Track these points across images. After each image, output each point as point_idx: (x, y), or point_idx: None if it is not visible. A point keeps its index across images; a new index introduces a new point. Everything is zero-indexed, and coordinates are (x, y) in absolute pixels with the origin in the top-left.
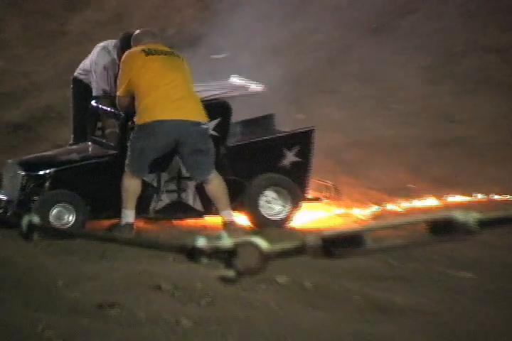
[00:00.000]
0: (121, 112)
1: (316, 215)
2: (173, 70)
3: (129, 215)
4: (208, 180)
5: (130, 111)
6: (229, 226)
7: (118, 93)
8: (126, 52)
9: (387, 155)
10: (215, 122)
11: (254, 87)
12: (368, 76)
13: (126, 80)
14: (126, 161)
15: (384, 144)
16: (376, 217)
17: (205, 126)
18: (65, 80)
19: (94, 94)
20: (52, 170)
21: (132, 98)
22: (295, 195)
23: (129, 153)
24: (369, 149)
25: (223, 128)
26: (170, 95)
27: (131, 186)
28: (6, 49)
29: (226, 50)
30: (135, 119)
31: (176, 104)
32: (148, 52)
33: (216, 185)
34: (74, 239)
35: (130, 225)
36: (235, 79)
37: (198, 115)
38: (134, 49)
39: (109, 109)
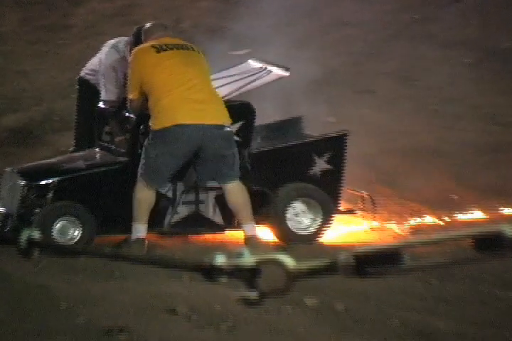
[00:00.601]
0: (132, 115)
1: (347, 229)
2: (190, 67)
3: (140, 230)
4: (229, 189)
5: (142, 114)
6: (251, 242)
7: (130, 96)
8: (134, 50)
9: (427, 163)
10: (237, 126)
11: (277, 70)
12: (406, 74)
13: (138, 82)
14: (140, 170)
15: (424, 150)
16: (415, 231)
17: (229, 129)
18: (68, 80)
19: (102, 98)
20: (55, 179)
21: (145, 100)
22: (326, 207)
23: (143, 161)
24: (407, 156)
25: (246, 132)
26: (189, 96)
27: (145, 198)
28: (1, 45)
29: (247, 46)
30: (150, 124)
31: (196, 106)
32: (159, 49)
33: (238, 195)
34: (79, 256)
35: (141, 241)
36: (254, 63)
37: (221, 117)
38: (142, 46)
39: (118, 111)
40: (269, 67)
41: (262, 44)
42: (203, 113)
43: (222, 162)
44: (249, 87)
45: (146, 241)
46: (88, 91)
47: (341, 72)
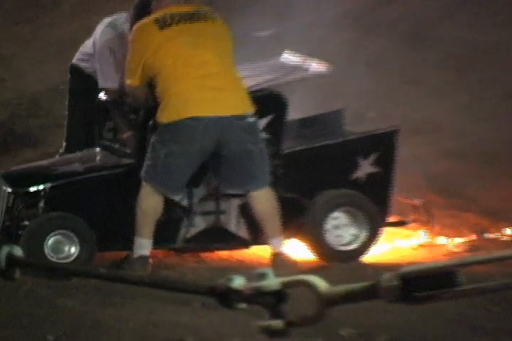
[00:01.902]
0: (137, 107)
1: (391, 245)
2: (202, 46)
3: (144, 246)
4: (257, 196)
5: (151, 106)
6: (277, 260)
7: (129, 82)
8: (135, 26)
9: (489, 167)
10: (265, 120)
11: (316, 66)
12: (461, 61)
13: (137, 65)
14: (144, 173)
15: (483, 152)
16: (472, 247)
17: (252, 120)
18: (56, 67)
19: (100, 85)
20: (47, 185)
21: (152, 88)
22: (373, 218)
23: (148, 162)
24: (463, 158)
25: (277, 128)
26: (202, 83)
27: (151, 207)
28: None
29: (273, 26)
30: (157, 117)
31: (211, 95)
32: (162, 24)
33: (267, 204)
34: (70, 278)
35: (145, 259)
36: (289, 57)
37: (242, 105)
38: (143, 21)
39: (122, 103)
40: (307, 63)
41: (290, 24)
42: (219, 102)
43: (249, 161)
44: (280, 80)
45: (151, 259)
46: (82, 81)
47: (383, 59)
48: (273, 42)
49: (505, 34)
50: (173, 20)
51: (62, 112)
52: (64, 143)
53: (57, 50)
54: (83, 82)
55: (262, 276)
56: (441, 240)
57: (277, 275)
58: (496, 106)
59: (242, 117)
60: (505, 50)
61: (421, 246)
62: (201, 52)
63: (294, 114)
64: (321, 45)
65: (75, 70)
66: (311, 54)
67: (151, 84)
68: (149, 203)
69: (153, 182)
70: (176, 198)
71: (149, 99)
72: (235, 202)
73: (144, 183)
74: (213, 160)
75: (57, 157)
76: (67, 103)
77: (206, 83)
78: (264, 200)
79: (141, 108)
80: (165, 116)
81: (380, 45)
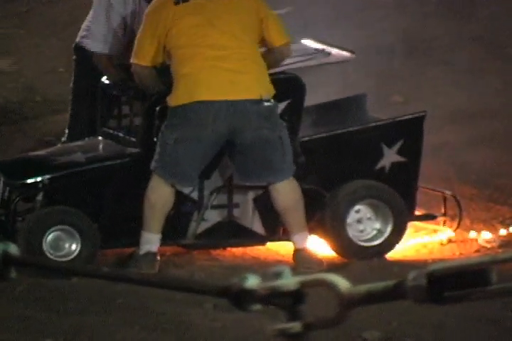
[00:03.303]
0: (145, 92)
1: (418, 240)
2: (220, 24)
3: (151, 241)
4: (279, 188)
5: (161, 91)
6: (300, 257)
7: (136, 60)
8: (152, 2)
9: None
10: (281, 106)
11: (338, 52)
12: (494, 40)
13: (150, 43)
14: (154, 163)
15: None
16: (506, 243)
17: (269, 104)
18: (55, 48)
19: (87, 47)
20: (46, 177)
21: (163, 71)
22: (398, 211)
23: (158, 149)
24: (497, 146)
25: (294, 114)
26: (217, 64)
27: (160, 199)
28: None
29: (291, 3)
30: (167, 100)
31: (226, 77)
32: None
33: (290, 196)
34: (70, 277)
35: (152, 255)
36: (309, 44)
37: (258, 89)
38: None
39: (126, 87)
40: (328, 49)
41: (308, 1)
42: (234, 85)
43: (267, 150)
44: (299, 64)
45: (159, 256)
46: (88, 62)
47: (411, 38)
48: (290, 22)
49: None
50: None
51: (60, 97)
52: (67, 131)
53: (56, 29)
54: (89, 64)
55: (279, 275)
56: (472, 235)
57: (300, 273)
58: None
59: (259, 101)
60: None
61: (450, 241)
62: (217, 32)
63: (312, 99)
64: (338, 26)
65: (80, 51)
66: (332, 36)
67: (163, 68)
68: (158, 195)
69: (162, 172)
70: (187, 190)
71: (160, 83)
72: (250, 195)
73: (153, 174)
74: (229, 149)
75: (59, 145)
76: (71, 85)
77: (220, 65)
78: (286, 193)
79: (149, 92)
80: (174, 98)
81: (405, 23)
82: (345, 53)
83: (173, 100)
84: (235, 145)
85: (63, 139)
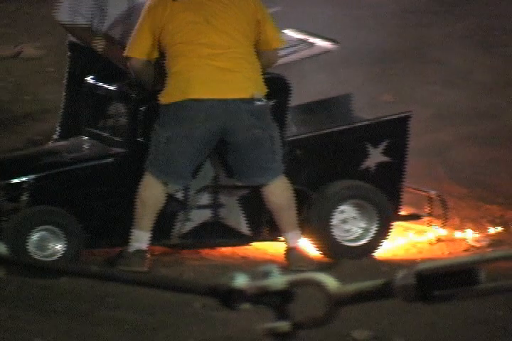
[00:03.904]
0: (130, 89)
1: (407, 240)
2: (213, 21)
3: (142, 239)
4: (271, 188)
5: (147, 89)
6: (293, 255)
7: (130, 53)
8: None
9: None
10: None
11: (322, 42)
12: (487, 39)
13: (146, 37)
14: (147, 161)
15: (509, 137)
16: (495, 242)
17: (261, 103)
18: (44, 47)
19: (60, 20)
20: (31, 176)
21: (158, 67)
22: (384, 211)
23: (151, 148)
24: (487, 145)
25: (279, 114)
26: (210, 62)
27: (153, 197)
28: None
29: (280, 1)
30: (159, 97)
31: (218, 76)
32: None
33: (283, 195)
34: (59, 277)
35: (142, 253)
36: (292, 34)
37: (250, 88)
38: None
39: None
40: (311, 39)
41: (297, 0)
42: (226, 84)
43: (258, 149)
44: (284, 60)
45: (149, 254)
46: (82, 59)
47: (401, 37)
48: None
49: None
50: None
51: (49, 96)
52: (58, 128)
53: (46, 29)
54: (83, 61)
55: (267, 274)
56: (462, 234)
57: (292, 272)
58: None
59: (251, 101)
60: None
61: (439, 240)
62: (212, 30)
63: (298, 99)
64: (327, 23)
65: (75, 48)
66: (318, 31)
67: (160, 63)
68: (150, 193)
69: (155, 170)
70: (171, 190)
71: (158, 80)
72: (235, 195)
73: (145, 172)
74: (221, 148)
75: (50, 143)
76: (64, 82)
77: (214, 63)
78: (278, 191)
79: (146, 87)
80: (166, 96)
81: (395, 21)
82: (328, 43)
83: (165, 97)
84: (226, 144)
85: (54, 136)
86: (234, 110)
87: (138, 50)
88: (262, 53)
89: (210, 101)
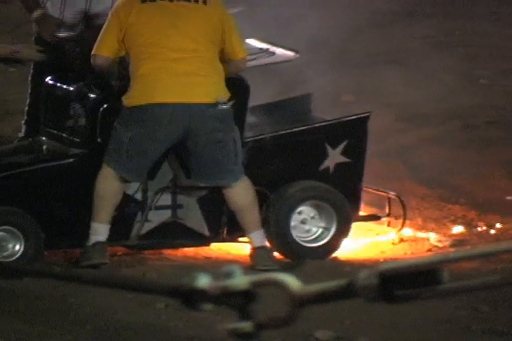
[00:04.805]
0: (89, 90)
1: (369, 240)
2: (181, 27)
3: (100, 231)
4: (234, 189)
5: (108, 89)
6: (260, 254)
7: (96, 51)
8: None
9: (476, 154)
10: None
11: (283, 51)
12: (449, 38)
13: (113, 35)
14: (107, 154)
15: (471, 138)
16: (458, 242)
17: (225, 107)
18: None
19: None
20: None
21: (123, 67)
22: (343, 212)
23: (112, 145)
24: (449, 145)
25: (238, 115)
26: (174, 66)
27: (109, 189)
28: None
29: (241, 3)
30: (123, 99)
31: (182, 80)
32: None
33: (246, 196)
34: (20, 277)
35: (101, 245)
36: (253, 43)
37: (214, 92)
38: None
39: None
40: (272, 49)
41: (260, 1)
42: (190, 89)
43: (220, 151)
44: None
45: (108, 246)
46: (47, 55)
47: (363, 36)
48: (242, 20)
49: (497, 8)
50: None
51: (10, 97)
52: (23, 127)
53: (8, 28)
54: (48, 57)
55: (230, 275)
56: (424, 234)
57: (256, 272)
58: (485, 88)
59: (214, 105)
60: (498, 25)
61: (402, 240)
62: (177, 34)
63: (257, 99)
64: (289, 24)
65: (41, 42)
66: (279, 35)
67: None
68: (108, 186)
69: (114, 166)
70: (130, 191)
71: (122, 77)
72: (194, 196)
73: (104, 165)
74: (182, 150)
75: (15, 142)
76: (29, 79)
77: (178, 67)
78: (242, 192)
79: (112, 82)
80: (130, 99)
81: (357, 21)
82: (289, 53)
83: (129, 100)
84: (188, 146)
85: (20, 134)
86: (197, 114)
87: (103, 48)
88: (230, 62)
89: (173, 106)
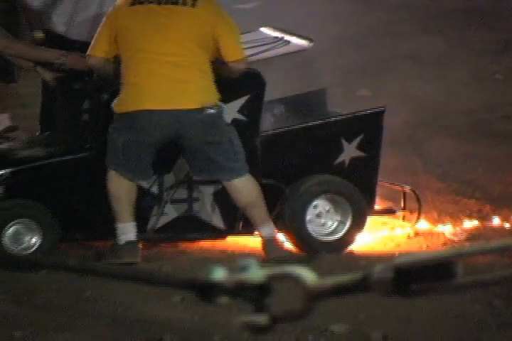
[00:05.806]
0: (103, 84)
1: (384, 234)
2: (169, 31)
3: (127, 230)
4: (236, 186)
5: (115, 84)
6: (271, 247)
7: (90, 52)
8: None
9: (491, 148)
10: (241, 101)
11: (297, 40)
12: (460, 33)
13: (105, 38)
14: (107, 158)
15: (486, 132)
16: (472, 236)
17: (212, 111)
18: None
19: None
20: (6, 170)
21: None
22: (358, 206)
23: (109, 148)
24: (464, 139)
25: (254, 109)
26: (162, 71)
27: (120, 188)
28: None
29: None
30: (114, 105)
31: (170, 86)
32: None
33: (247, 193)
34: (37, 270)
35: (133, 244)
36: (267, 32)
37: (202, 97)
38: None
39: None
40: (287, 37)
41: None
42: (177, 95)
43: (215, 152)
44: (258, 56)
45: (140, 245)
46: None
47: (377, 32)
48: (257, 16)
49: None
50: None
51: (26, 90)
52: (39, 126)
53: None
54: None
55: (246, 268)
56: (439, 228)
57: (270, 265)
58: (499, 83)
59: (201, 110)
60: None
61: (417, 234)
62: (164, 38)
63: (273, 93)
64: (305, 19)
65: (50, 37)
66: (296, 27)
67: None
68: (118, 185)
69: (117, 168)
70: (144, 184)
71: (118, 77)
72: (209, 189)
73: (108, 167)
74: (182, 150)
75: (31, 136)
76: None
77: (165, 72)
78: (243, 191)
79: (110, 84)
80: (120, 105)
81: (372, 17)
82: (303, 41)
83: (119, 106)
84: (182, 145)
85: (36, 133)
86: (186, 120)
87: (96, 49)
88: (227, 64)
89: (160, 112)
